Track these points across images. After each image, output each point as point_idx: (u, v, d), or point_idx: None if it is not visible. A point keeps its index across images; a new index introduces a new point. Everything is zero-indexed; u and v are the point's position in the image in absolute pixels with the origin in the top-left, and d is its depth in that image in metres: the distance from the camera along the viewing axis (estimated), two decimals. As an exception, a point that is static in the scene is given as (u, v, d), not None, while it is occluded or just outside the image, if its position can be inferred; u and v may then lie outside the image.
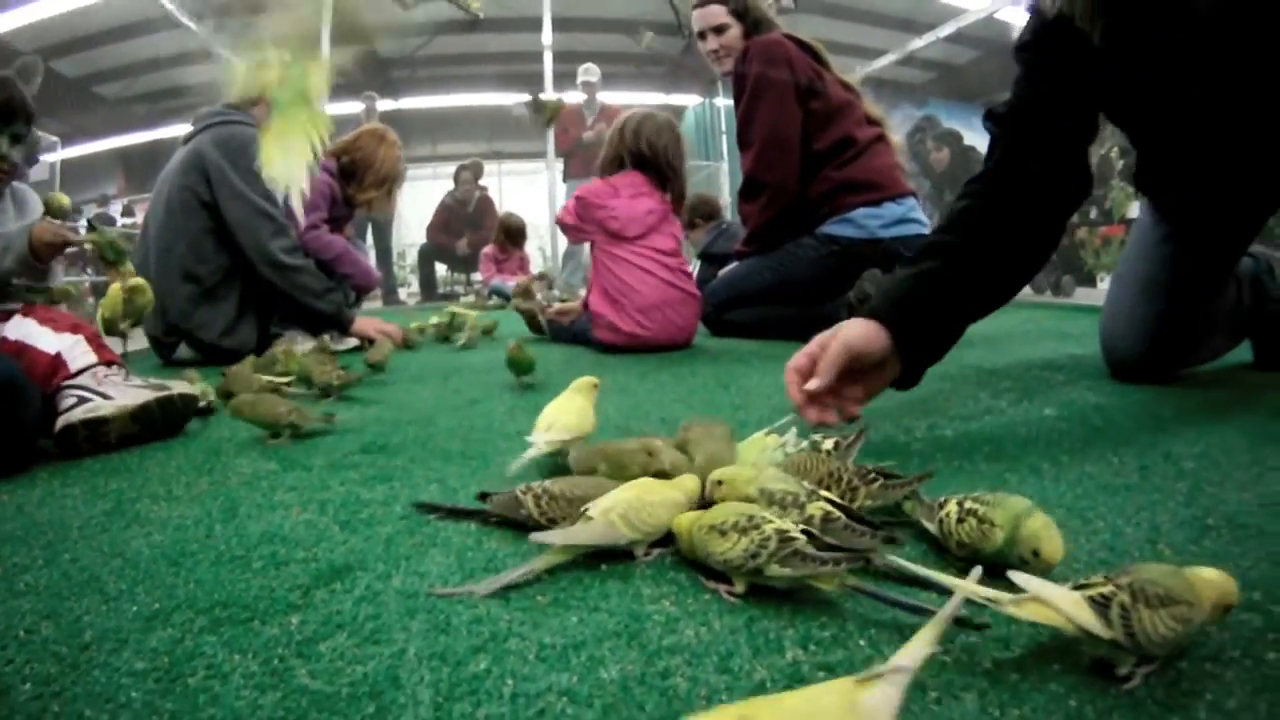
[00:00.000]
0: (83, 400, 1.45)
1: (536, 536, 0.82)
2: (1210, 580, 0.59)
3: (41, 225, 1.78)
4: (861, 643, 0.66)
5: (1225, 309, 1.70)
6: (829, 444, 1.07)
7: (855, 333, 1.20)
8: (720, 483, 0.89)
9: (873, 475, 0.93)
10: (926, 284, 1.28)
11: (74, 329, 1.59)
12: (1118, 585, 0.60)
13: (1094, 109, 1.41)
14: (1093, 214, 5.37)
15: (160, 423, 1.53)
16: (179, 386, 1.59)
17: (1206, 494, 0.98)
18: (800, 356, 1.21)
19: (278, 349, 2.26)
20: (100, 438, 1.45)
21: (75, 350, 1.54)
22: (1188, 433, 1.26)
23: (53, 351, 1.52)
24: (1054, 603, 0.61)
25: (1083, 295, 4.98)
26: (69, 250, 1.83)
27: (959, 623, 0.62)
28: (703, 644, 0.67)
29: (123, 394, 1.49)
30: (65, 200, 1.92)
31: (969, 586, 0.63)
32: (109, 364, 1.57)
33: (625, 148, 2.69)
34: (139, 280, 1.94)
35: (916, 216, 2.80)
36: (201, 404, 1.71)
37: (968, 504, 0.79)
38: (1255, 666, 0.59)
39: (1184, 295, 1.61)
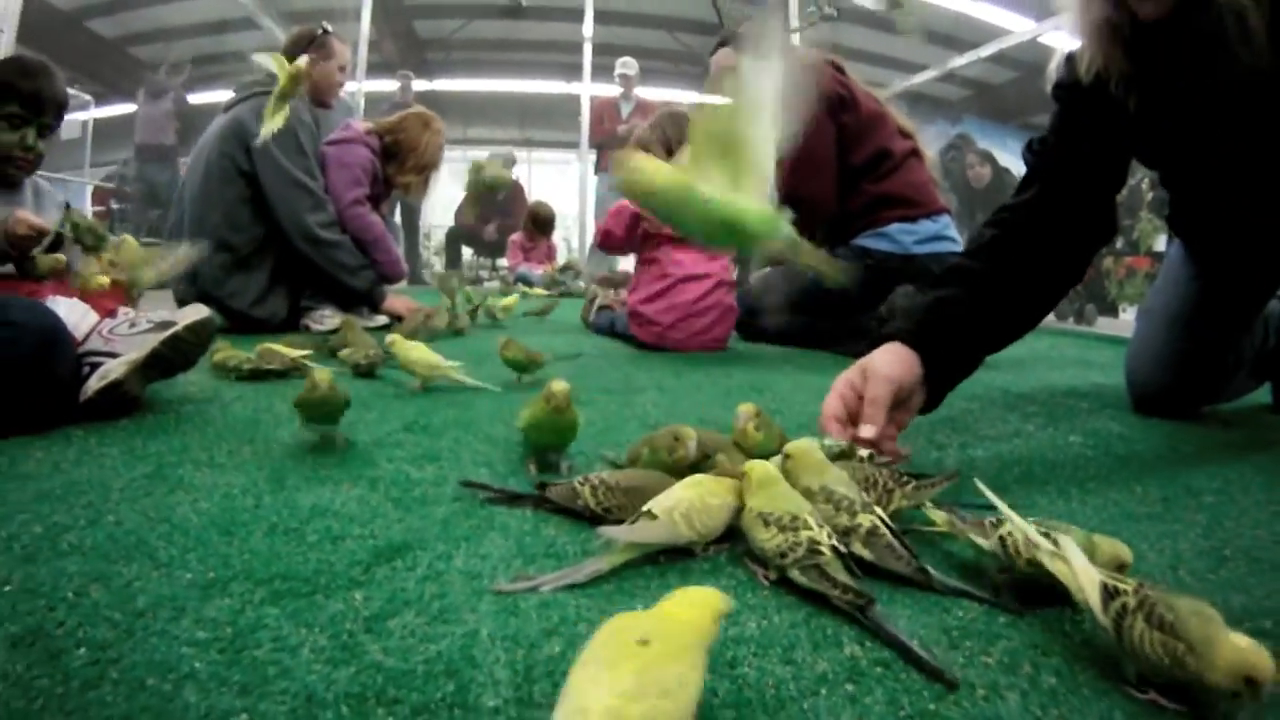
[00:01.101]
0: (94, 367, 1.43)
1: (605, 531, 0.82)
2: (1238, 645, 0.58)
3: (14, 217, 1.77)
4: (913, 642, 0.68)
5: (1251, 349, 1.71)
6: (864, 451, 1.08)
7: (890, 364, 1.16)
8: (789, 456, 0.92)
9: (905, 478, 0.96)
10: (950, 309, 1.27)
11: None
12: (1137, 592, 0.65)
13: (1125, 159, 1.43)
14: (1119, 244, 5.33)
15: (176, 360, 1.51)
16: (188, 316, 1.52)
17: (1225, 527, 1.02)
18: (833, 401, 1.15)
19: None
20: (122, 397, 1.43)
21: (74, 314, 1.52)
22: (1207, 468, 1.30)
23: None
24: (1076, 572, 0.69)
25: (1105, 325, 4.97)
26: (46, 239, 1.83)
27: (933, 674, 0.63)
28: (765, 637, 0.69)
29: (128, 345, 1.46)
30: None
31: (1019, 523, 0.76)
32: (111, 314, 1.56)
33: (672, 145, 2.66)
34: (127, 237, 1.94)
35: (950, 234, 2.79)
36: None
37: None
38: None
39: (1210, 334, 1.62)
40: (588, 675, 0.49)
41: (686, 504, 0.84)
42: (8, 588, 0.72)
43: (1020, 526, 0.76)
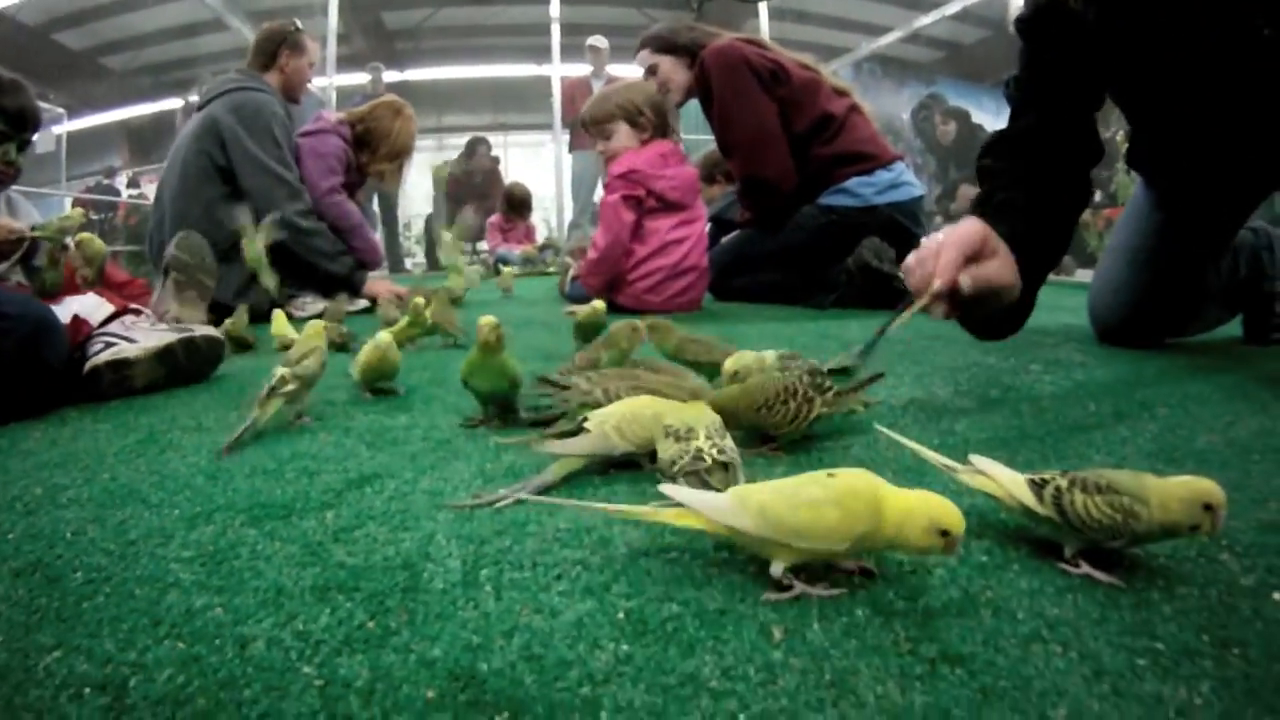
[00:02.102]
0: (109, 345, 1.50)
1: (542, 445, 0.89)
2: (1187, 483, 0.62)
3: None
4: None
5: (1221, 282, 1.72)
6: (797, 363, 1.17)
7: (959, 229, 1.20)
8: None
9: (826, 385, 1.00)
10: (1001, 178, 1.31)
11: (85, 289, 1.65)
12: (1064, 475, 0.68)
13: (1096, 77, 1.43)
14: (1098, 197, 5.39)
15: (184, 365, 1.58)
16: (201, 330, 1.63)
17: (1177, 435, 1.04)
18: (912, 257, 1.19)
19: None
20: (125, 380, 1.49)
21: (90, 304, 1.59)
22: (1166, 387, 1.32)
23: (72, 312, 1.58)
24: (998, 478, 0.71)
25: (1083, 275, 5.01)
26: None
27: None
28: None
29: (147, 337, 1.54)
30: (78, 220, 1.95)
31: (934, 457, 0.77)
32: (136, 312, 1.63)
33: (647, 115, 2.73)
34: (85, 234, 1.99)
35: (908, 179, 2.88)
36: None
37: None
38: (1208, 565, 0.66)
39: (1168, 265, 1.65)
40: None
41: (618, 417, 0.90)
42: (11, 535, 0.79)
43: (931, 458, 0.77)
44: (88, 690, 0.52)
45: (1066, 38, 1.37)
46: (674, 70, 3.01)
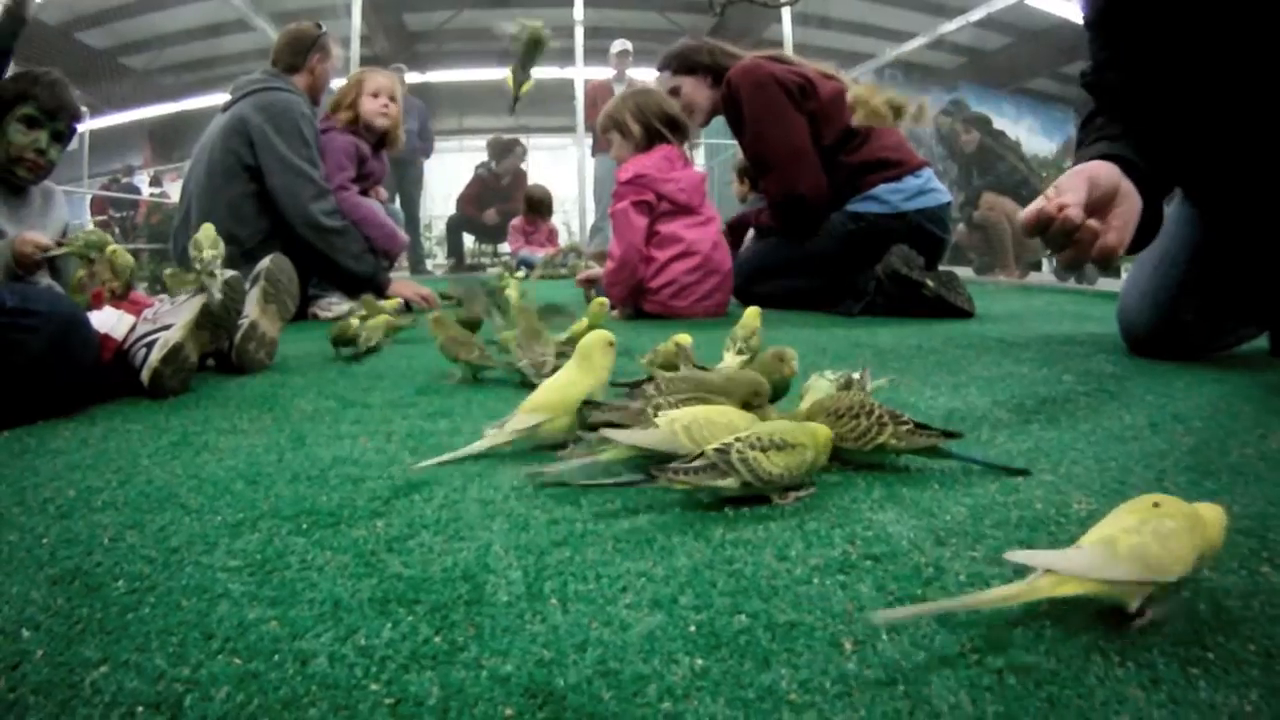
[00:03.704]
0: (149, 347, 1.48)
1: (609, 433, 0.88)
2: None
3: (21, 238, 1.83)
4: (902, 543, 0.73)
5: (1259, 300, 1.68)
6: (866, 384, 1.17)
7: (1082, 167, 1.19)
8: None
9: (904, 419, 0.95)
10: (1109, 128, 1.33)
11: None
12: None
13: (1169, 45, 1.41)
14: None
15: (221, 315, 1.58)
16: (221, 277, 1.61)
17: (1211, 448, 1.03)
18: (1039, 199, 1.15)
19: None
20: (184, 364, 1.49)
21: (110, 319, 1.57)
22: (1198, 400, 1.31)
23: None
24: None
25: (1106, 284, 4.98)
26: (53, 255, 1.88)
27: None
28: (760, 539, 0.74)
29: (177, 314, 1.53)
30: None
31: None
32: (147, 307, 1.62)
33: (651, 121, 2.71)
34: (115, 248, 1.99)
35: (935, 186, 2.85)
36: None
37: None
38: (1249, 577, 0.65)
39: (1198, 273, 1.62)
40: (1105, 521, 0.62)
41: (690, 418, 0.88)
42: (45, 540, 0.77)
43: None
44: (140, 709, 0.49)
45: (1136, 15, 1.37)
46: (696, 91, 3.01)
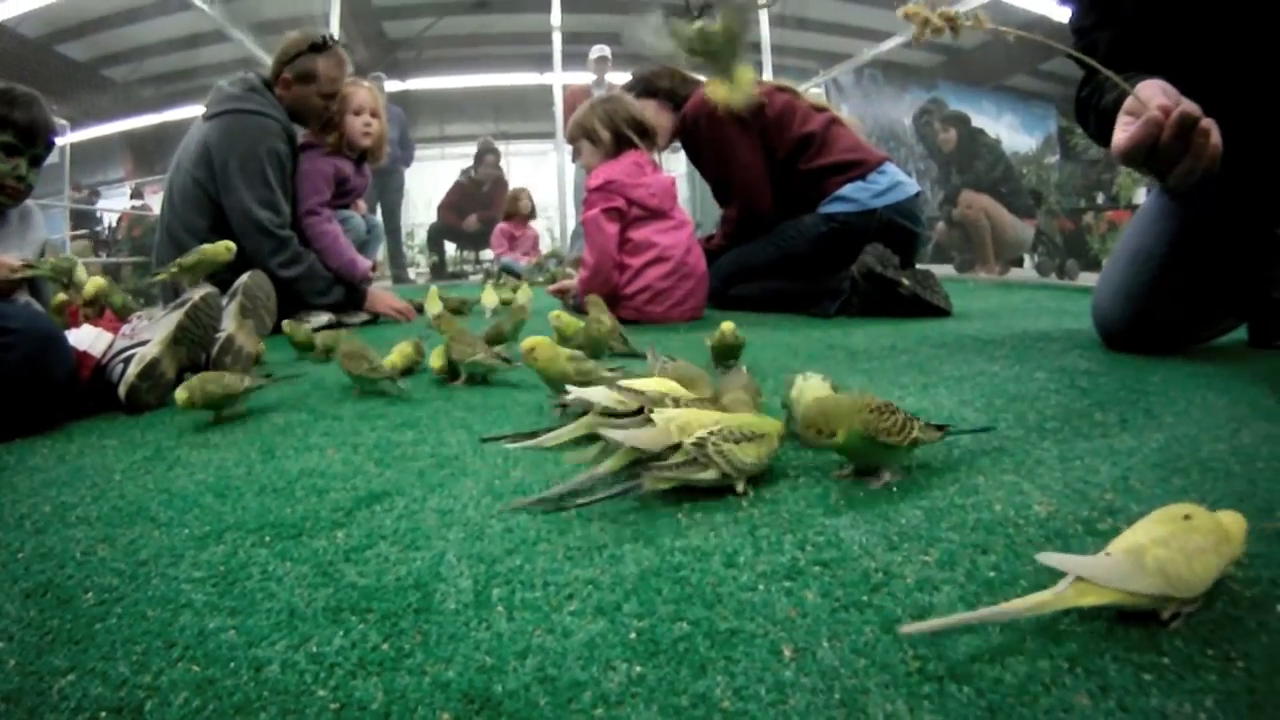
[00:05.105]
0: (127, 361, 1.51)
1: (607, 433, 0.91)
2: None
3: None
4: (854, 548, 0.74)
5: (1237, 292, 1.69)
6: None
7: (1149, 81, 1.20)
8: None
9: (925, 421, 0.96)
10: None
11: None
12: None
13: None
14: (1100, 199, 5.39)
15: (196, 332, 1.60)
16: (197, 292, 1.63)
17: (1182, 444, 1.04)
18: (1135, 125, 1.14)
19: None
20: (160, 380, 1.51)
21: (87, 336, 1.59)
22: (1171, 394, 1.31)
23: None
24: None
25: (1087, 279, 5.02)
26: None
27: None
28: (710, 546, 0.76)
29: (154, 329, 1.56)
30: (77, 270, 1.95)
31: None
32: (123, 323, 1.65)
33: (618, 127, 2.75)
34: (95, 279, 2.00)
35: (901, 179, 2.94)
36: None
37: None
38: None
39: (1172, 267, 1.63)
40: (1137, 526, 0.62)
41: (685, 418, 0.91)
42: (20, 554, 0.80)
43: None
44: (103, 714, 0.53)
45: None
46: (658, 115, 3.08)
